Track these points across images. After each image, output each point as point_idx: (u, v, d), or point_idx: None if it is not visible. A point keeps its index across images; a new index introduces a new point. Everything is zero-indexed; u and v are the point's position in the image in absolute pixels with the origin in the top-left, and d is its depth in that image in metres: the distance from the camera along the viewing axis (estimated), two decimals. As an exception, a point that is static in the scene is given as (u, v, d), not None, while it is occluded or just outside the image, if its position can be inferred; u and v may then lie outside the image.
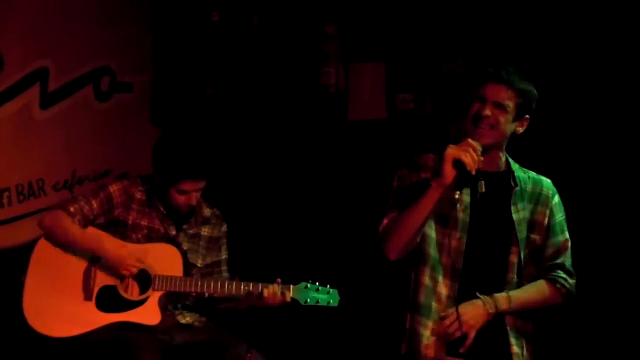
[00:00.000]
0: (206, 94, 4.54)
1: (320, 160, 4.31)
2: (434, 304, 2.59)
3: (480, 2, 3.97)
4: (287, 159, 4.37)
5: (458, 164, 2.40)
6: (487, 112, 2.52)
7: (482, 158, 2.43)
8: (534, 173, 2.75)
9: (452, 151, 2.41)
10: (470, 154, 2.39)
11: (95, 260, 2.96)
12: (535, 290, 2.64)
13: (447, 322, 2.54)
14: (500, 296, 2.57)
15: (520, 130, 2.62)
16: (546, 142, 3.52)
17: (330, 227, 4.16)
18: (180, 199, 3.02)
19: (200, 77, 4.55)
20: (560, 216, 2.71)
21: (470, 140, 2.44)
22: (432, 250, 2.60)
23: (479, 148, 2.43)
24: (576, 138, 3.66)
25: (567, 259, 2.69)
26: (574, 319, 2.99)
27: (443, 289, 2.59)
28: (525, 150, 2.76)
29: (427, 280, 2.60)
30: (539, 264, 2.68)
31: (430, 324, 2.58)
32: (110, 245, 2.94)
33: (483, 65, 2.67)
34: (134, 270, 2.93)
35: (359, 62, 4.32)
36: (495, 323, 2.57)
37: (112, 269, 2.94)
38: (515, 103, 2.54)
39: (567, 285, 2.66)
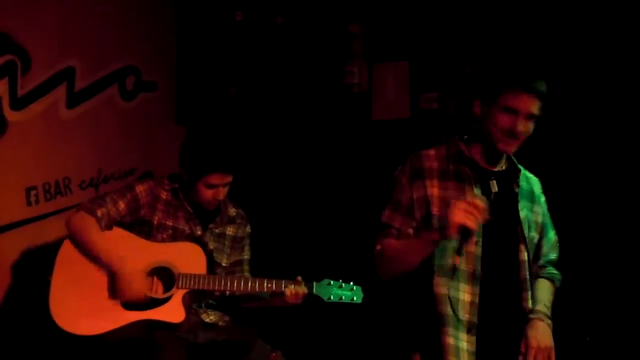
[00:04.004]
0: (230, 93, 4.56)
1: (343, 159, 4.30)
2: (455, 313, 2.46)
3: (504, 3, 3.95)
4: (311, 159, 4.37)
5: (462, 227, 2.27)
6: (522, 127, 2.40)
7: (486, 217, 2.29)
8: (525, 169, 2.67)
9: (458, 219, 2.25)
10: (476, 218, 2.25)
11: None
12: (548, 291, 2.62)
13: (532, 352, 2.41)
14: (542, 308, 2.52)
15: None
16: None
17: (353, 227, 4.16)
18: (208, 193, 3.02)
19: (224, 77, 4.57)
20: (547, 213, 2.69)
21: (477, 200, 2.28)
22: (449, 258, 2.48)
23: (486, 207, 2.28)
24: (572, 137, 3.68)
25: (557, 254, 2.70)
26: (577, 321, 2.97)
27: (463, 296, 2.46)
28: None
29: (445, 290, 2.48)
30: (536, 261, 2.65)
31: (450, 330, 2.45)
32: (125, 267, 2.91)
33: (499, 67, 2.57)
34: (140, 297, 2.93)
35: (383, 61, 4.31)
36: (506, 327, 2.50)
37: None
38: (540, 109, 2.43)
39: (560, 280, 2.67)
